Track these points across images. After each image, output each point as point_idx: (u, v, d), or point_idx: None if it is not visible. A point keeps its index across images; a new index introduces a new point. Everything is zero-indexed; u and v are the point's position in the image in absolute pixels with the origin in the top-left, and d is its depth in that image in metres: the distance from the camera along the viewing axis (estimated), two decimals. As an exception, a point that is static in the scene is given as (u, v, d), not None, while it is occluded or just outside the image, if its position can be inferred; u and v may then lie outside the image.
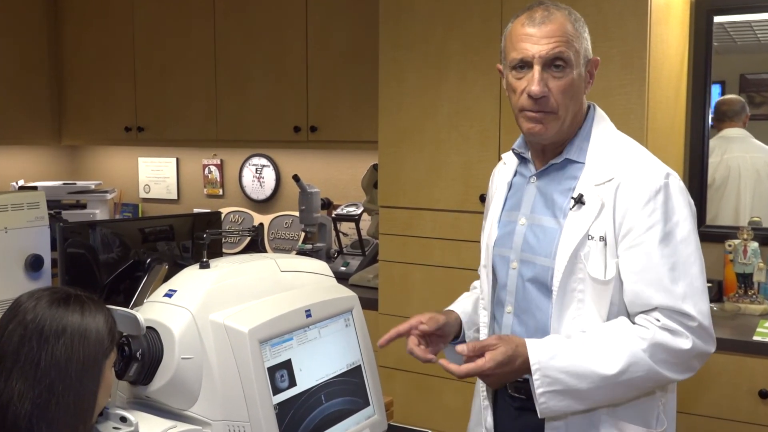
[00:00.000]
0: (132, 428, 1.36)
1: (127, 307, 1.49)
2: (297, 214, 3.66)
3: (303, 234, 3.66)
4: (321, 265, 1.72)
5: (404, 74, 2.91)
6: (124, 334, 1.40)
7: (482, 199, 2.72)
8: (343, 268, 3.49)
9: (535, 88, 1.52)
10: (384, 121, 2.98)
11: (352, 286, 3.10)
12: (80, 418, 1.25)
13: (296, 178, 3.53)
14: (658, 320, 1.47)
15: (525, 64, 1.55)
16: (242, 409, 1.39)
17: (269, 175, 4.12)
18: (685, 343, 1.46)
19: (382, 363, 2.89)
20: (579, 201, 1.55)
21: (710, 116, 2.96)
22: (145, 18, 4.03)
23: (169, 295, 1.47)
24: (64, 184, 4.32)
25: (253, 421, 1.38)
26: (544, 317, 1.59)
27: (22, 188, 4.14)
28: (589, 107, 1.65)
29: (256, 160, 4.16)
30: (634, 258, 1.50)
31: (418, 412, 2.93)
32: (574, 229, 1.55)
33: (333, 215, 3.66)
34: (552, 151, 1.64)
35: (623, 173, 1.53)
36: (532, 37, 1.53)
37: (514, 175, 1.73)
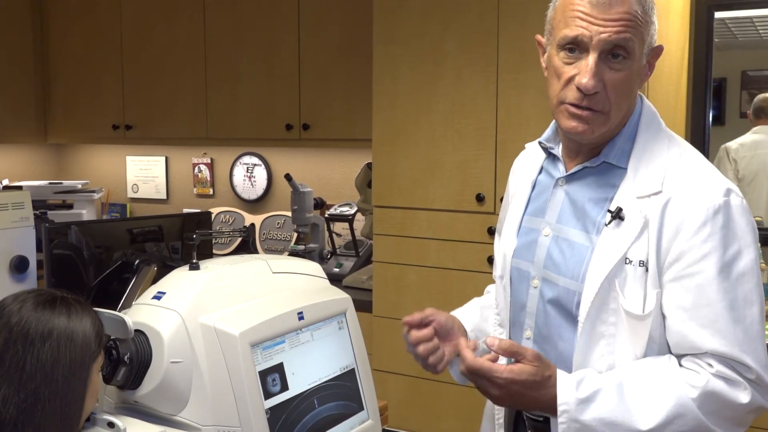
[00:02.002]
0: (119, 434, 1.34)
1: (114, 309, 1.47)
2: (289, 214, 3.64)
3: (295, 234, 3.64)
4: (314, 267, 1.69)
5: (399, 70, 2.88)
6: (112, 337, 1.38)
7: (479, 198, 2.69)
8: (336, 270, 3.46)
9: (588, 81, 1.27)
10: (378, 118, 2.95)
11: (346, 288, 3.09)
12: (67, 424, 1.23)
13: (288, 177, 3.50)
14: (712, 366, 1.26)
15: (578, 46, 1.30)
16: (233, 414, 1.37)
17: (261, 174, 4.08)
18: (743, 396, 1.24)
19: (377, 366, 2.87)
20: (617, 216, 1.32)
21: (711, 112, 2.95)
22: (133, 12, 3.99)
23: (157, 297, 1.45)
24: (50, 183, 4.28)
25: (245, 427, 1.36)
26: (567, 348, 1.38)
27: (6, 188, 4.09)
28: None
29: (247, 159, 4.12)
30: (684, 291, 1.27)
31: (413, 417, 2.91)
32: (608, 249, 1.32)
33: (326, 215, 3.63)
34: (588, 150, 1.40)
35: (674, 186, 1.30)
36: (593, 15, 1.27)
37: (540, 172, 1.51)
